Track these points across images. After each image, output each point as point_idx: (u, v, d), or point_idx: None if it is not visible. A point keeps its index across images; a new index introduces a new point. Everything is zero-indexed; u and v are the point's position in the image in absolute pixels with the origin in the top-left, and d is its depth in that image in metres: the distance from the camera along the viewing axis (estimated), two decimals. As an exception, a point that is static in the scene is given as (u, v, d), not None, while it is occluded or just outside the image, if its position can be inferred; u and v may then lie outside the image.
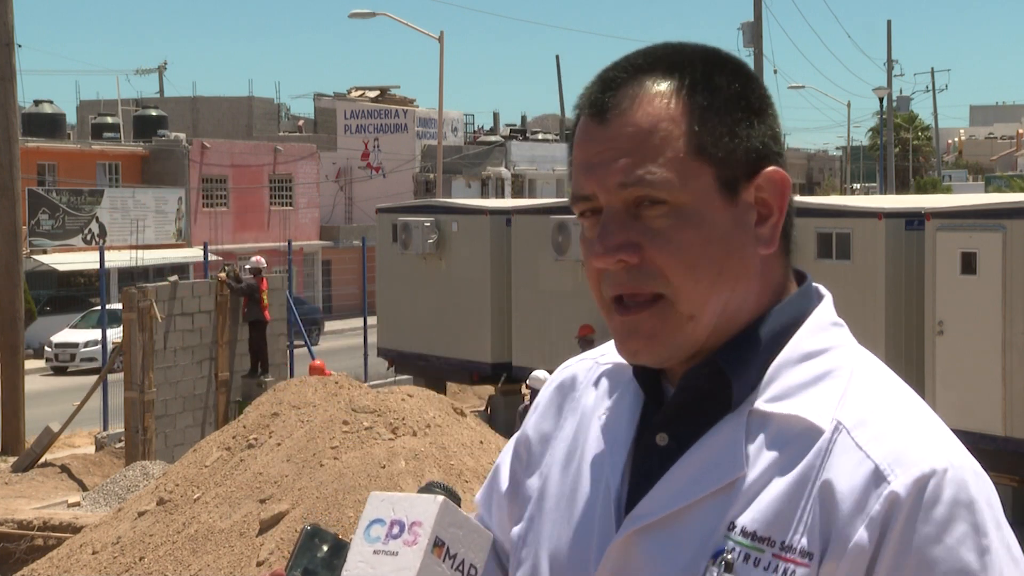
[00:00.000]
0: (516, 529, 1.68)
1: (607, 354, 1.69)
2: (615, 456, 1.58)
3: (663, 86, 1.50)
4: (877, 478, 1.40)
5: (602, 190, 1.50)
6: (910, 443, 1.43)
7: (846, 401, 1.47)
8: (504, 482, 1.74)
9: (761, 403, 1.49)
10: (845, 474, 1.42)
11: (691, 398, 1.53)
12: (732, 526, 1.45)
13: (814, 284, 1.61)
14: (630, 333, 1.51)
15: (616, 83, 1.52)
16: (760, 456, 1.47)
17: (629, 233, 1.49)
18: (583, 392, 1.69)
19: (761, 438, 1.48)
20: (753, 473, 1.46)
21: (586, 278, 1.58)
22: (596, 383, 1.68)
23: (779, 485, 1.45)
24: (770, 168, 1.52)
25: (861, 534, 1.39)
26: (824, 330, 1.54)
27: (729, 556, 1.44)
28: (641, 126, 1.49)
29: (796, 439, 1.46)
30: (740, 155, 1.51)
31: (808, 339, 1.52)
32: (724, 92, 1.51)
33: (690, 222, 1.48)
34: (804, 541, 1.42)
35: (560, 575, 1.58)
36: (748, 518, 1.45)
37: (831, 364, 1.51)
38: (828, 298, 1.59)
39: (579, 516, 1.59)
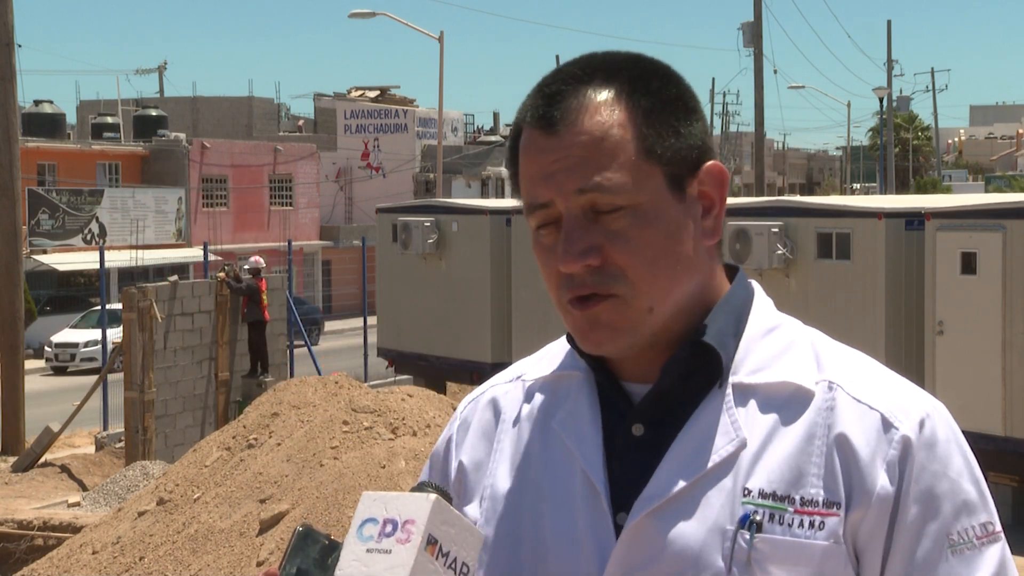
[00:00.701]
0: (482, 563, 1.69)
1: (527, 372, 1.74)
2: (590, 455, 1.60)
3: (605, 94, 1.57)
4: (886, 425, 1.54)
5: (560, 196, 1.56)
6: (898, 393, 1.57)
7: (823, 365, 1.59)
8: None
9: (742, 376, 1.58)
10: (854, 425, 1.54)
11: (675, 382, 1.58)
12: (747, 491, 1.53)
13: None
14: (592, 326, 1.57)
15: (561, 95, 1.57)
16: (756, 423, 1.56)
17: (591, 237, 1.55)
18: (511, 412, 1.71)
19: (752, 406, 1.57)
20: (754, 439, 1.55)
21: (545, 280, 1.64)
22: (528, 399, 1.71)
23: (784, 446, 1.54)
24: (710, 162, 1.61)
25: (883, 477, 1.52)
26: (770, 309, 1.66)
27: (757, 517, 1.51)
28: (593, 134, 1.55)
29: (788, 402, 1.56)
30: (685, 153, 1.58)
31: (763, 317, 1.64)
32: (662, 95, 1.59)
33: (646, 221, 1.55)
34: (824, 494, 1.52)
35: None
36: (763, 480, 1.53)
37: (790, 336, 1.63)
38: (756, 283, 1.70)
39: (557, 524, 1.60)
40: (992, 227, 13.67)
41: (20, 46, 21.90)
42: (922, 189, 63.92)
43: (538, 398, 1.70)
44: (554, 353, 1.73)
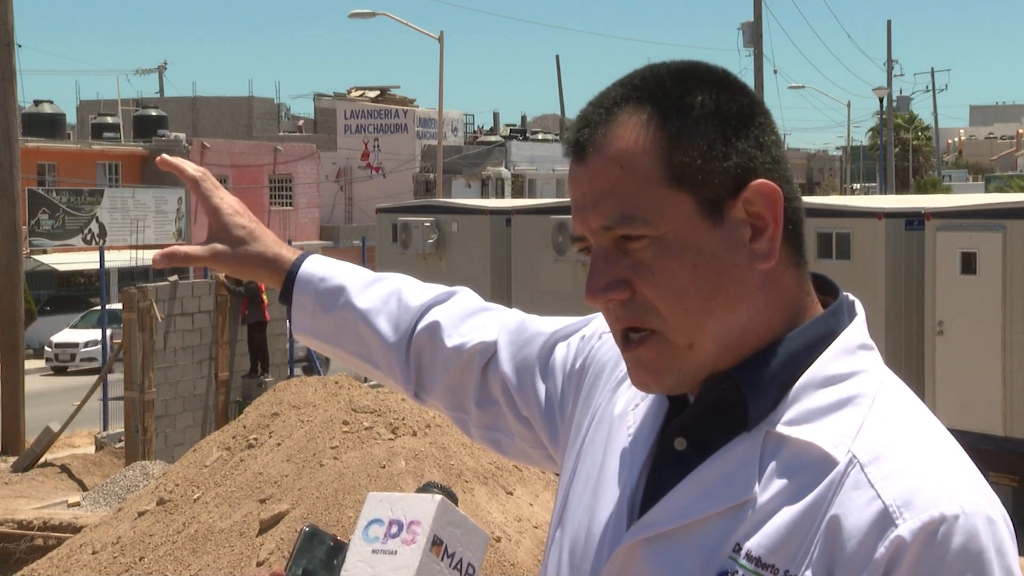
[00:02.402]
0: (556, 506, 1.70)
1: None
2: (635, 456, 1.57)
3: (635, 117, 1.48)
4: (885, 520, 1.37)
5: (589, 232, 1.50)
6: (923, 484, 1.38)
7: (864, 432, 1.43)
8: (548, 358, 1.82)
9: (780, 425, 1.46)
10: (854, 512, 1.39)
11: (708, 411, 1.52)
12: (738, 548, 1.44)
13: (850, 299, 1.58)
14: (636, 366, 1.51)
15: (592, 120, 1.51)
16: (773, 480, 1.44)
17: (618, 270, 1.48)
18: (622, 370, 1.70)
19: (776, 461, 1.45)
20: (764, 496, 1.44)
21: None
22: None
23: (789, 513, 1.42)
24: (757, 181, 1.48)
25: None
26: (851, 353, 1.50)
27: None
28: (616, 163, 1.47)
29: (810, 467, 1.43)
30: (718, 175, 1.47)
31: (832, 362, 1.49)
32: (696, 112, 1.48)
33: (672, 251, 1.46)
34: (808, 574, 1.39)
35: (576, 568, 1.59)
36: (755, 543, 1.43)
37: (853, 390, 1.47)
38: (860, 317, 1.55)
39: (600, 511, 1.59)
40: (992, 227, 13.67)
41: (20, 46, 21.91)
42: (922, 189, 63.89)
43: None
44: None
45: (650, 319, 1.48)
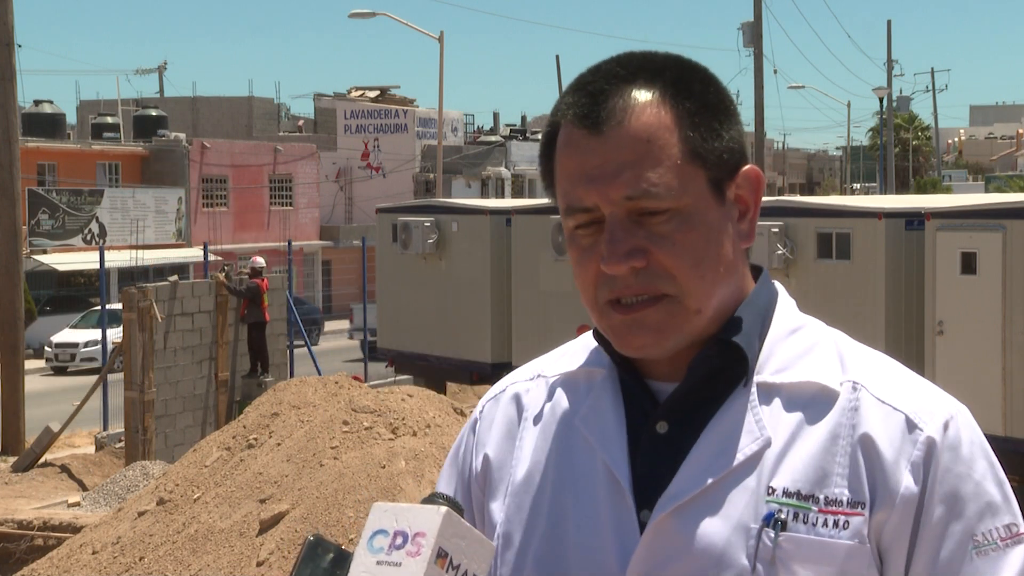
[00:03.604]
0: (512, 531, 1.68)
1: (549, 369, 1.72)
2: (614, 451, 1.59)
3: (650, 95, 1.56)
4: (911, 426, 1.54)
5: (606, 202, 1.54)
6: (922, 395, 1.58)
7: (847, 365, 1.59)
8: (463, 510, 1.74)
9: (766, 376, 1.59)
10: (879, 426, 1.54)
11: (701, 381, 1.58)
12: (772, 490, 1.53)
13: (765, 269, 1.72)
14: (635, 329, 1.55)
15: (605, 94, 1.55)
16: (780, 422, 1.56)
17: (634, 239, 1.54)
18: (533, 409, 1.70)
19: (776, 406, 1.57)
20: (778, 438, 1.55)
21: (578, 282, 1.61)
22: (550, 396, 1.69)
23: (809, 445, 1.54)
24: (747, 166, 1.61)
25: (908, 479, 1.52)
26: (794, 309, 1.67)
27: (782, 516, 1.52)
28: (639, 136, 1.54)
29: (812, 402, 1.56)
30: (726, 156, 1.58)
31: (787, 317, 1.64)
32: (705, 97, 1.58)
33: (691, 224, 1.55)
34: (848, 493, 1.52)
35: (594, 562, 1.58)
36: (787, 479, 1.53)
37: (814, 337, 1.63)
38: (780, 284, 1.70)
39: (579, 518, 1.59)
40: (992, 227, 13.67)
41: (20, 46, 21.89)
42: (922, 189, 63.89)
43: (560, 395, 1.68)
44: (575, 350, 1.71)
45: (664, 286, 1.55)
